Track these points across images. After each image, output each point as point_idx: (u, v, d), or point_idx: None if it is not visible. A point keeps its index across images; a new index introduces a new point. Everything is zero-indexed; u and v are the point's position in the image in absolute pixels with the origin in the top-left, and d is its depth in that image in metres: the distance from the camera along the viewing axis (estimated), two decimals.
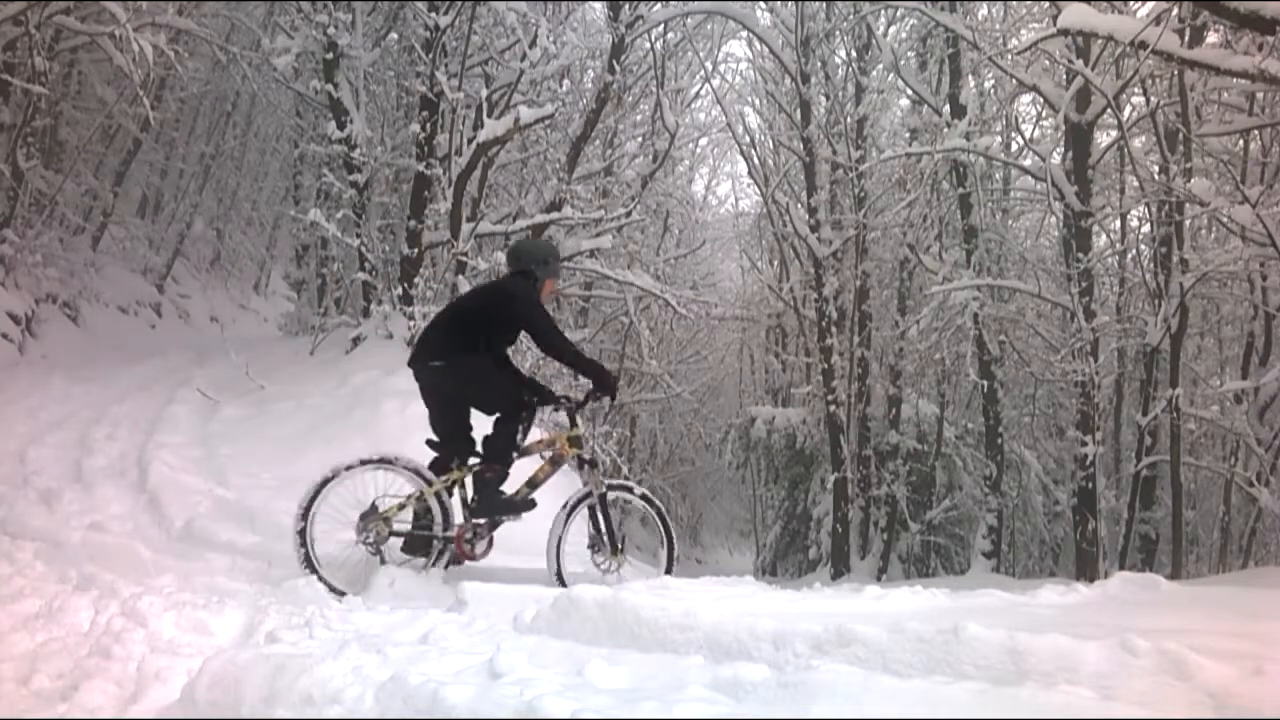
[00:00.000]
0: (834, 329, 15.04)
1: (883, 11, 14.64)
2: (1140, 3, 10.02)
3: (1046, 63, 12.00)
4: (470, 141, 10.49)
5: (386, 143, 12.42)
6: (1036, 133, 14.98)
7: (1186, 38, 8.34)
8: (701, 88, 17.31)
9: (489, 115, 10.45)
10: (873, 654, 2.61)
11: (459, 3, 11.08)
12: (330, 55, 11.36)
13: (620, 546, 5.39)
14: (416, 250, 11.20)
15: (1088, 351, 11.56)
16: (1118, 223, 14.33)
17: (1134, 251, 13.86)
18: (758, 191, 17.18)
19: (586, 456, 5.36)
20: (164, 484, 7.28)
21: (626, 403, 18.66)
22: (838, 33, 15.39)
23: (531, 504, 5.32)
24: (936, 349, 14.45)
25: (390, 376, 9.45)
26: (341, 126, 11.34)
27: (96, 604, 4.33)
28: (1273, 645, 2.51)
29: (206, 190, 20.87)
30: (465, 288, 10.49)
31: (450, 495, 5.21)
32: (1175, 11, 6.68)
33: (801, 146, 15.25)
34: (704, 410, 21.84)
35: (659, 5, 13.83)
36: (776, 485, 19.02)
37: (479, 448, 5.33)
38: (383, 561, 5.15)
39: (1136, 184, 12.12)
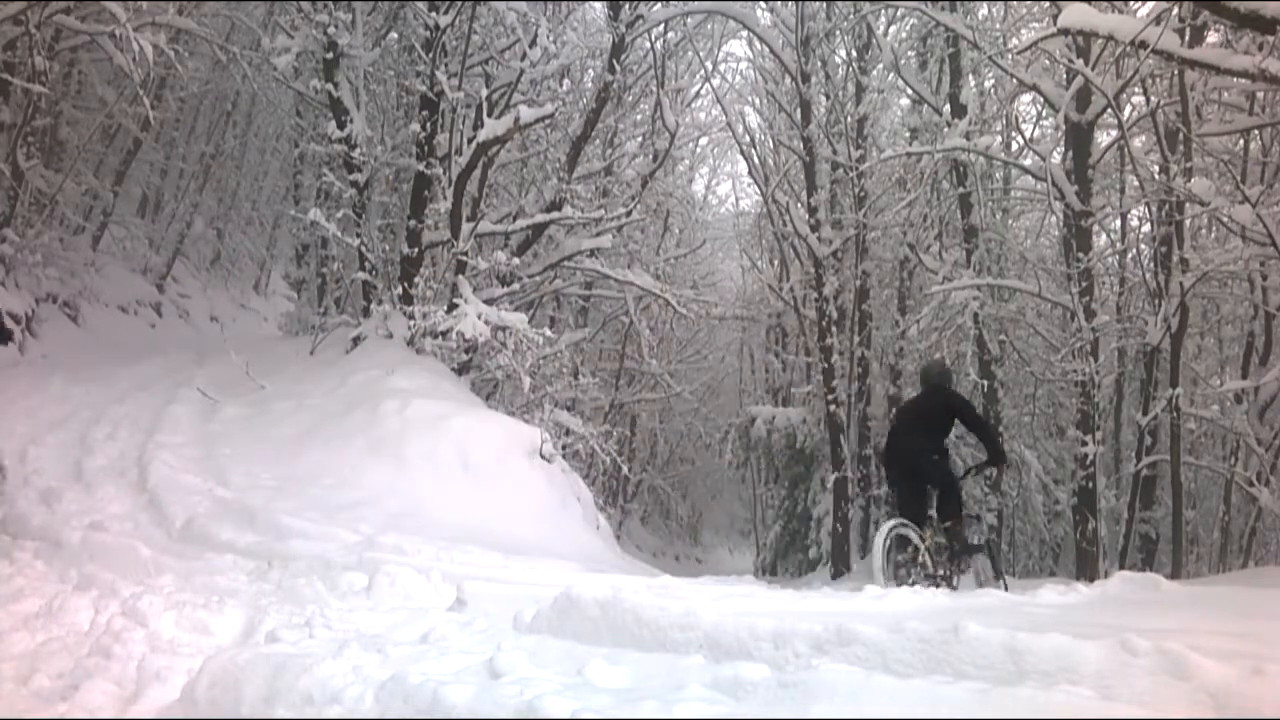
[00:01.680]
0: (834, 328, 15.02)
1: (883, 11, 14.62)
2: (1140, 2, 10.01)
3: (1046, 62, 11.99)
4: (470, 141, 10.50)
5: (386, 142, 12.42)
6: (1036, 132, 14.99)
7: (1186, 38, 8.34)
8: (701, 87, 17.33)
9: (489, 115, 10.46)
10: (873, 654, 2.60)
11: (459, 3, 11.08)
12: (330, 55, 11.35)
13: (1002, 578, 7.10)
14: (416, 250, 11.20)
15: (1088, 351, 11.55)
16: (1118, 222, 14.32)
17: (1134, 251, 13.84)
18: (758, 191, 17.18)
19: (973, 514, 7.34)
20: (164, 484, 7.29)
21: (626, 402, 18.68)
22: (838, 32, 15.37)
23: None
24: (936, 349, 14.43)
25: (390, 376, 9.46)
26: (341, 126, 11.34)
27: (96, 604, 4.33)
28: (1273, 645, 2.50)
29: (206, 190, 20.85)
30: (465, 288, 10.51)
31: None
32: (1175, 11, 6.68)
33: (801, 146, 15.23)
34: (704, 410, 21.82)
35: (659, 5, 13.83)
36: (776, 485, 19.01)
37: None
38: None
39: (1136, 184, 12.11)
